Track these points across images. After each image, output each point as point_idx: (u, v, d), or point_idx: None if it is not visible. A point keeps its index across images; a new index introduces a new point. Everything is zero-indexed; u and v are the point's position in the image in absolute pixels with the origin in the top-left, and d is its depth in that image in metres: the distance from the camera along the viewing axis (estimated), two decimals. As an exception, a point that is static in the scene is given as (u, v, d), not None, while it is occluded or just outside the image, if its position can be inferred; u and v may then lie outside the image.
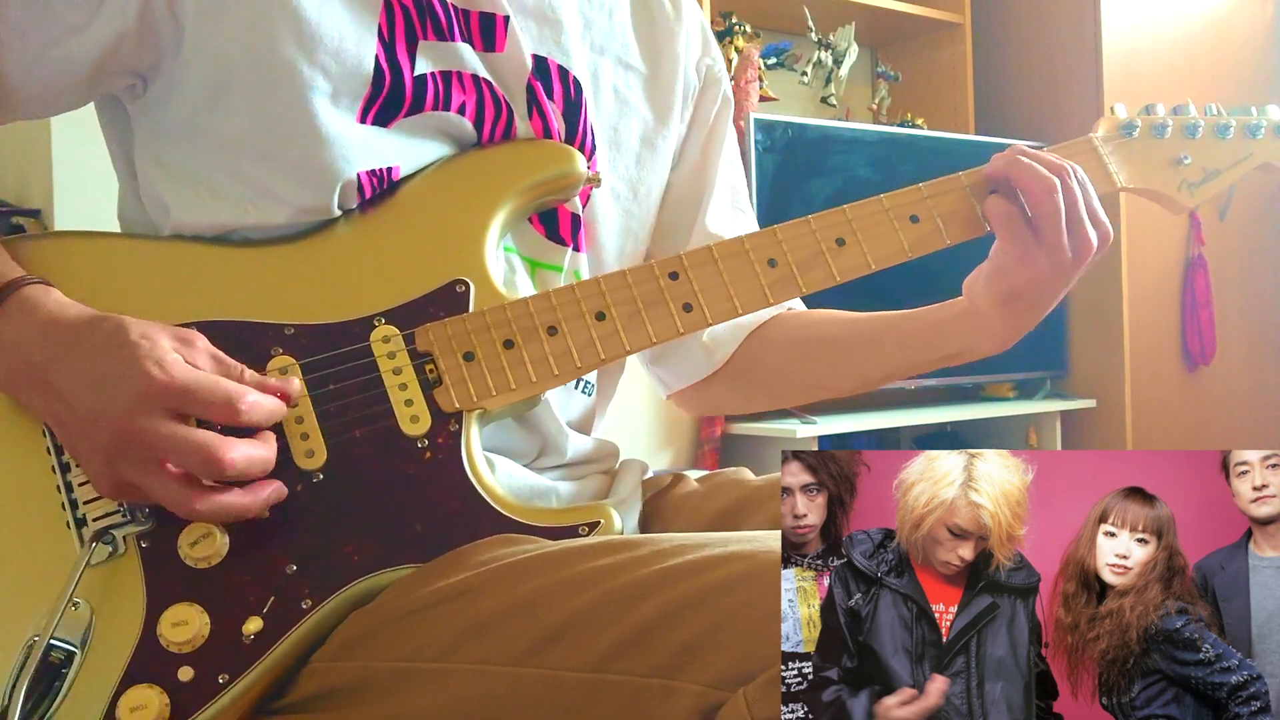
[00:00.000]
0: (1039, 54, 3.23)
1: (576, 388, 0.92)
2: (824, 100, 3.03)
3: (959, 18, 3.18)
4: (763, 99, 2.80)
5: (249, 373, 0.72)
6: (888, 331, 0.95)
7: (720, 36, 2.89)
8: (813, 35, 2.94)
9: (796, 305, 1.02)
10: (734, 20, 2.89)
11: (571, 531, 0.75)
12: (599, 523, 0.75)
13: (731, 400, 1.06)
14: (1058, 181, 0.81)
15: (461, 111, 0.84)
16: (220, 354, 0.72)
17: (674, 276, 0.81)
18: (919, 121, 3.18)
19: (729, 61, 2.85)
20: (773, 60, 2.97)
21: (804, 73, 2.99)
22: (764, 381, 1.03)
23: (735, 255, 0.82)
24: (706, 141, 1.02)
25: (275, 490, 0.71)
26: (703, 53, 1.01)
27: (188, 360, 0.70)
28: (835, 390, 1.03)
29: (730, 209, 1.02)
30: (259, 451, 0.70)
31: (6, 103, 0.79)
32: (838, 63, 2.99)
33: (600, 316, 0.80)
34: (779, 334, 1.00)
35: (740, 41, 2.87)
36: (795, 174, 2.69)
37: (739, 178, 1.05)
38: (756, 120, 2.61)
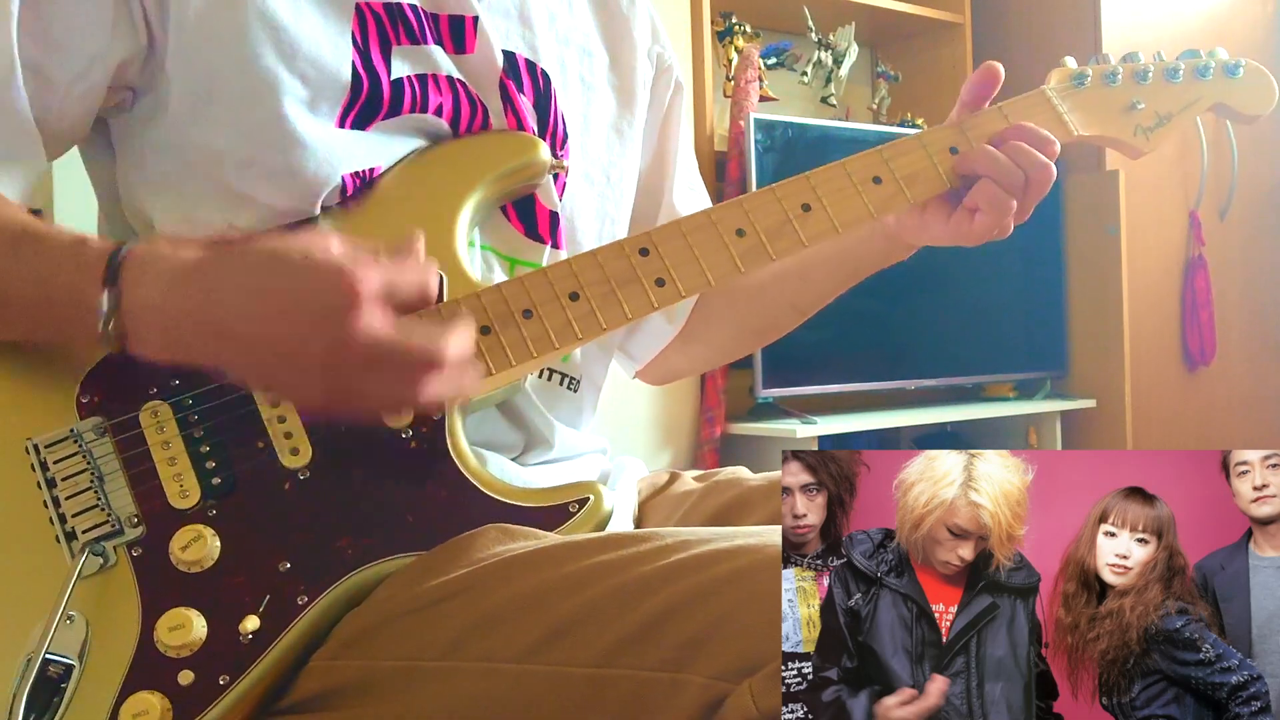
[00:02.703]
0: (1039, 54, 3.23)
1: (562, 384, 0.92)
2: (824, 100, 3.03)
3: (959, 18, 3.18)
4: (763, 99, 2.80)
5: (386, 252, 0.70)
6: (811, 265, 1.00)
7: (720, 36, 2.89)
8: (813, 35, 2.93)
9: None
10: (734, 20, 2.89)
11: (561, 510, 0.75)
12: (588, 499, 0.75)
13: (681, 363, 1.11)
14: (1024, 177, 0.86)
15: (439, 113, 0.84)
16: (348, 238, 0.70)
17: (644, 253, 0.81)
18: (919, 121, 3.17)
19: (729, 62, 2.85)
20: (773, 60, 2.96)
21: (804, 73, 2.99)
22: (708, 338, 1.08)
23: (703, 228, 0.83)
24: (663, 127, 1.06)
25: (478, 370, 0.72)
26: (653, 40, 1.03)
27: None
28: (775, 331, 1.10)
29: (689, 191, 1.07)
30: (466, 338, 0.70)
31: (52, 143, 0.79)
32: (838, 63, 2.99)
33: (574, 297, 0.79)
34: (717, 289, 1.02)
35: (740, 41, 2.87)
36: (795, 174, 2.68)
37: (692, 159, 1.10)
38: (756, 120, 2.60)
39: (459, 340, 0.69)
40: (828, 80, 3.01)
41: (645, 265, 0.81)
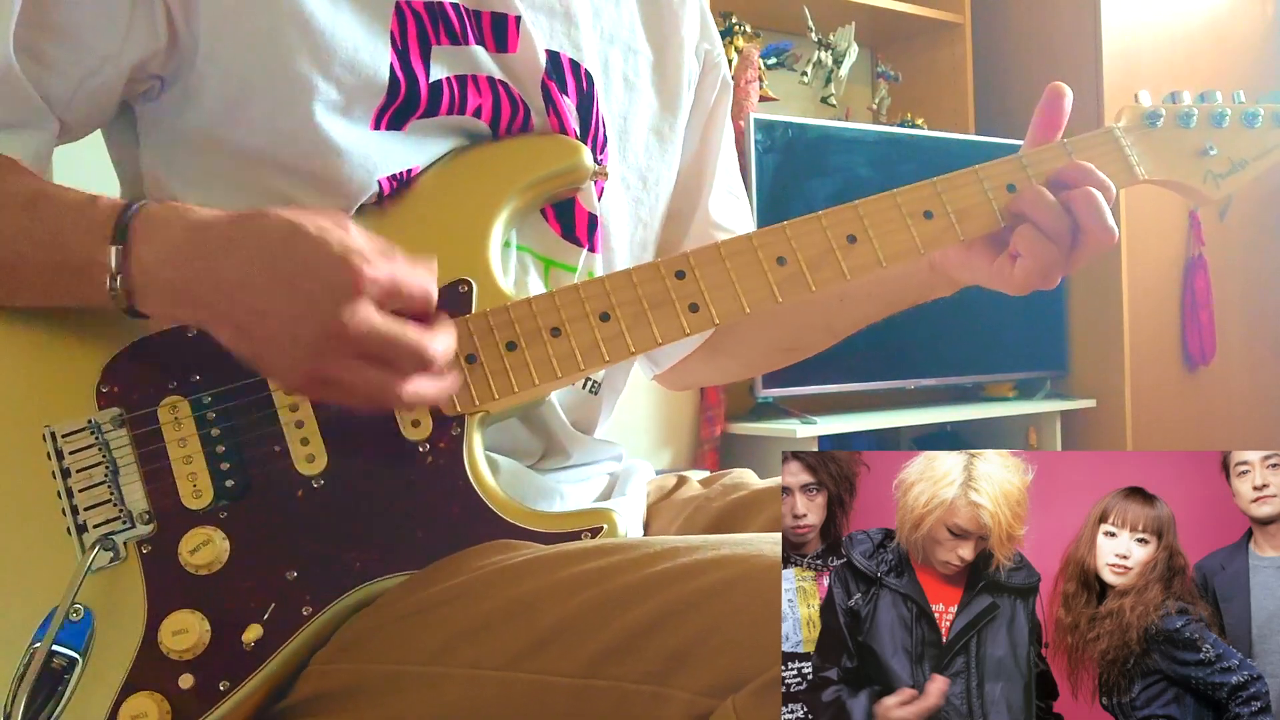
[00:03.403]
0: (1039, 54, 3.23)
1: (584, 388, 0.91)
2: (824, 100, 3.03)
3: (959, 18, 3.18)
4: (763, 99, 2.80)
5: (398, 253, 0.71)
6: (854, 292, 0.96)
7: (720, 36, 2.89)
8: (813, 35, 2.93)
9: None
10: (734, 20, 2.88)
11: (574, 537, 0.74)
12: (602, 528, 0.74)
13: (705, 373, 1.08)
14: (1072, 228, 0.81)
15: (477, 114, 0.83)
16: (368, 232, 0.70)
17: (680, 275, 0.80)
18: (919, 121, 3.17)
19: (729, 62, 2.85)
20: (773, 60, 2.96)
21: (804, 73, 2.99)
22: (736, 351, 1.05)
23: (743, 253, 0.80)
24: (706, 127, 1.02)
25: (456, 378, 0.72)
26: (701, 37, 1.01)
27: None
28: (805, 350, 1.05)
29: (727, 195, 1.03)
30: (452, 341, 0.71)
31: (70, 128, 0.80)
32: (838, 63, 2.99)
33: (605, 317, 0.78)
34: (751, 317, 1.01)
35: (740, 41, 2.87)
36: (795, 174, 2.69)
37: (734, 163, 1.06)
38: (756, 120, 2.60)
39: (447, 341, 0.70)
40: (828, 80, 3.01)
41: (681, 288, 0.79)
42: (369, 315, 0.66)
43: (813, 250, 0.81)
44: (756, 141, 2.59)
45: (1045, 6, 3.21)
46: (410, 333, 0.68)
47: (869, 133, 2.91)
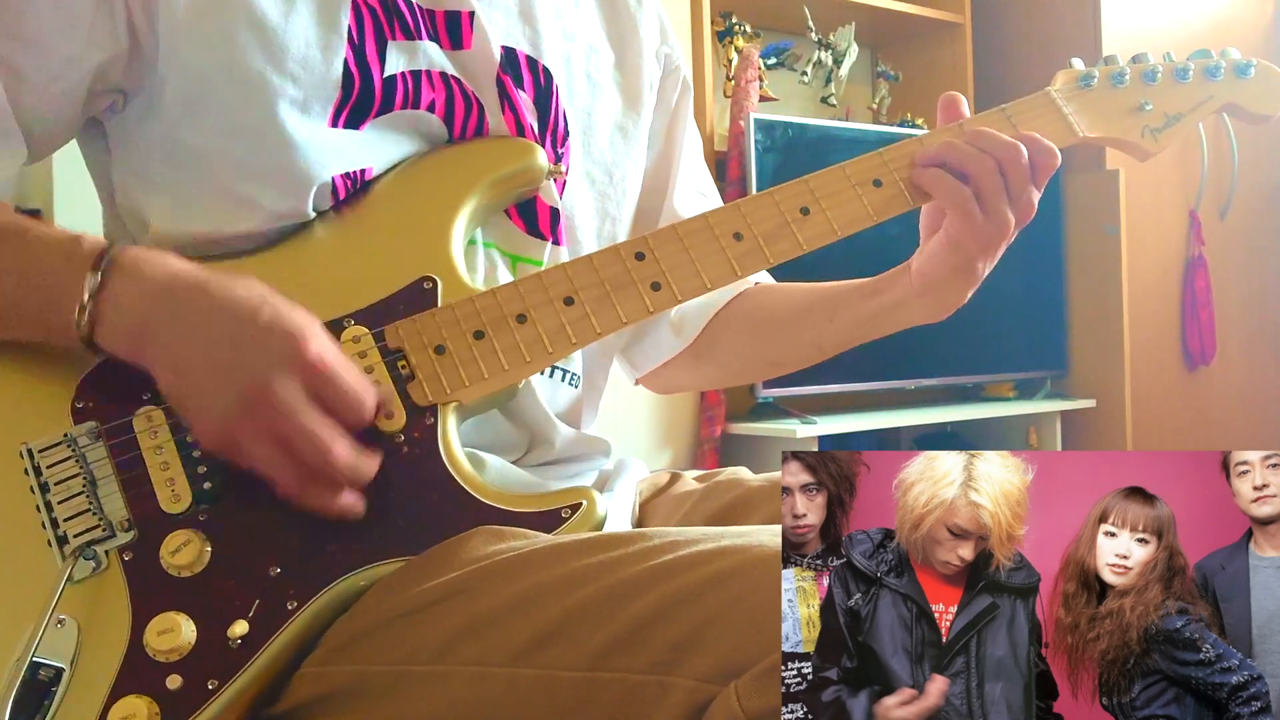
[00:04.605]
0: (1039, 54, 3.23)
1: (563, 380, 0.92)
2: (824, 100, 3.03)
3: (959, 18, 3.18)
4: (763, 99, 2.80)
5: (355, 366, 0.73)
6: (843, 309, 0.97)
7: (720, 36, 2.89)
8: (813, 35, 2.93)
9: (763, 278, 1.04)
10: (734, 20, 2.89)
11: (554, 515, 0.74)
12: (581, 504, 0.75)
13: (689, 379, 1.09)
14: (994, 160, 0.83)
15: (431, 109, 0.84)
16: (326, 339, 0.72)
17: (640, 257, 0.81)
18: (919, 121, 3.17)
19: (729, 62, 2.85)
20: (773, 60, 2.97)
21: (804, 73, 2.99)
22: (721, 360, 1.06)
23: (699, 231, 0.83)
24: (670, 128, 1.04)
25: (355, 503, 0.72)
26: (661, 40, 1.03)
27: None
28: (791, 365, 1.06)
29: (694, 193, 1.05)
30: (365, 467, 0.71)
31: (36, 143, 0.80)
32: (838, 63, 2.99)
33: (569, 301, 0.79)
34: (736, 313, 1.02)
35: (740, 41, 2.87)
36: (795, 174, 2.66)
37: (700, 162, 1.08)
38: (756, 120, 2.60)
39: (354, 463, 0.70)
40: (828, 80, 3.01)
41: (641, 269, 0.81)
42: (290, 392, 0.68)
43: (767, 224, 0.83)
44: (756, 141, 2.59)
45: (1045, 6, 3.21)
46: (320, 432, 0.69)
47: (869, 133, 2.91)
